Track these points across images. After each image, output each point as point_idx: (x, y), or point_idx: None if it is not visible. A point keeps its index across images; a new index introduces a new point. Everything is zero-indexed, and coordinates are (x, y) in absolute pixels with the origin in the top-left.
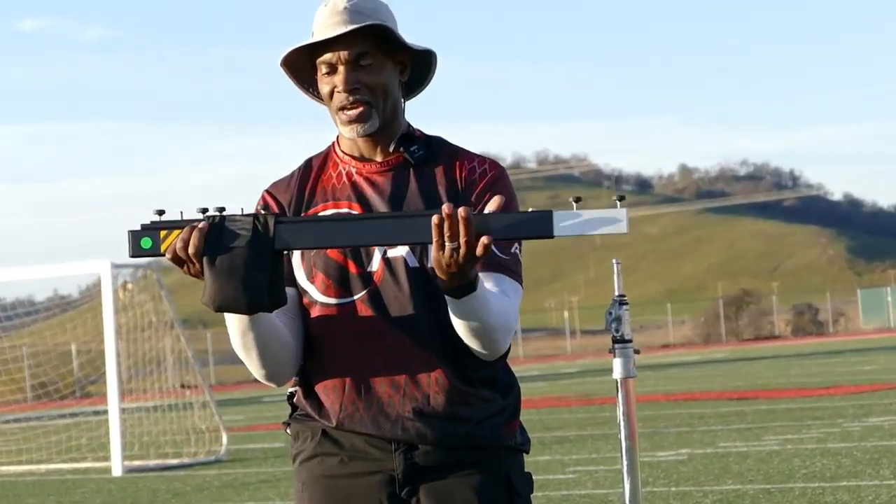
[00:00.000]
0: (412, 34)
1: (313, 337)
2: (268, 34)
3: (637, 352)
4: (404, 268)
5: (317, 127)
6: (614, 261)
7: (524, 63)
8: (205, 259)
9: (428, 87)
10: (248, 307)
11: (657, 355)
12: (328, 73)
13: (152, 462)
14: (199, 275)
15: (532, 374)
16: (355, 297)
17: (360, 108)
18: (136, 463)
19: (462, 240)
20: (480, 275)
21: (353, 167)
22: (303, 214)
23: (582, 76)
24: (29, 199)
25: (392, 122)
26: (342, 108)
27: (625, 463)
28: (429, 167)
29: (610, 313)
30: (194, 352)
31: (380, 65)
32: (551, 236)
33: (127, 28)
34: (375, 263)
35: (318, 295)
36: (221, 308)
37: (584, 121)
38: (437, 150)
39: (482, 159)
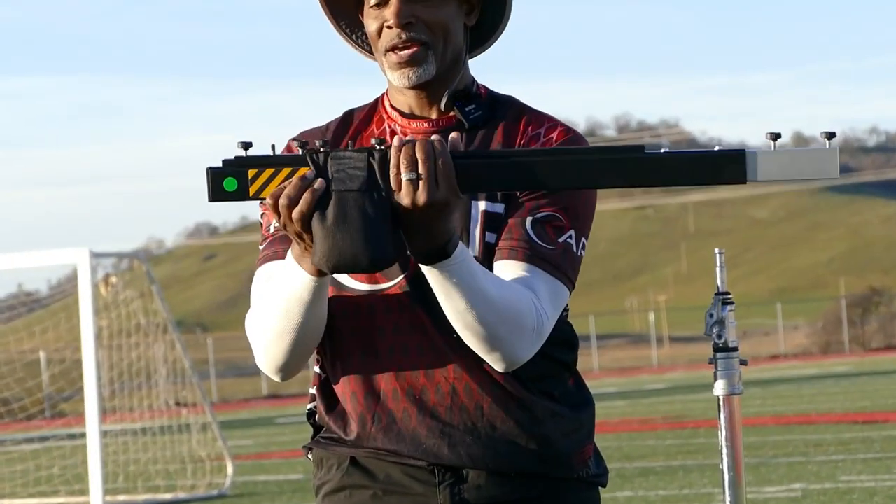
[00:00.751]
0: None
1: (338, 333)
2: None
3: (744, 363)
4: None
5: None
6: (717, 250)
7: (601, 5)
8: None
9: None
10: (371, 263)
11: (764, 368)
12: (377, 5)
13: (140, 497)
14: (301, 235)
15: (609, 391)
16: (392, 283)
17: (415, 49)
18: (121, 498)
19: (421, 167)
20: (500, 264)
21: (400, 125)
22: None
23: (671, 23)
24: None
25: (451, 72)
26: (393, 49)
27: (728, 500)
28: (488, 130)
29: (711, 315)
30: (192, 362)
31: None
32: (744, 181)
33: None
34: None
35: (345, 278)
36: (338, 268)
37: (673, 79)
38: (502, 112)
39: (553, 125)
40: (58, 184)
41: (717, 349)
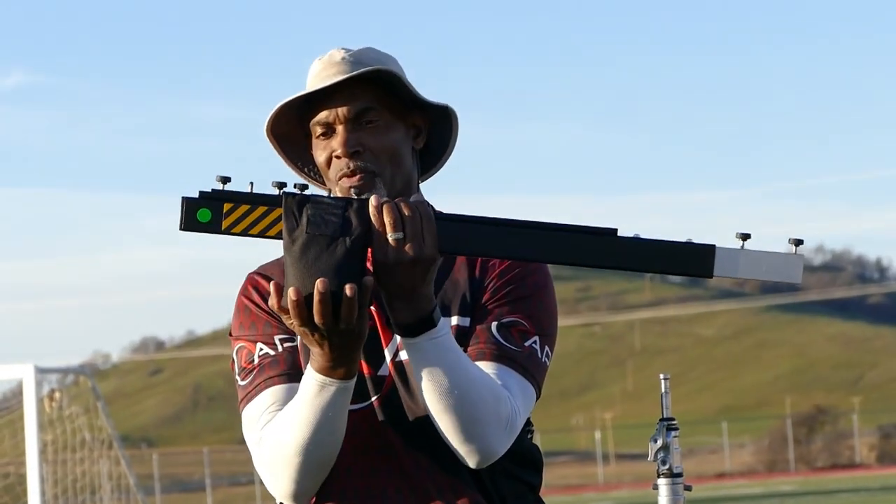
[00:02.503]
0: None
1: None
2: (234, 85)
3: (689, 489)
4: None
5: None
6: (662, 376)
7: (545, 125)
8: (284, 251)
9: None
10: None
11: (710, 486)
12: (324, 136)
13: None
14: (326, 339)
15: None
16: (364, 404)
17: (361, 176)
18: None
19: (408, 225)
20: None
21: None
22: None
23: (612, 142)
24: None
25: (403, 197)
26: (342, 177)
27: None
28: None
29: (655, 440)
30: (137, 478)
31: (388, 124)
32: (710, 276)
33: (52, 73)
34: (385, 366)
35: None
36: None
37: (615, 195)
38: None
39: None
40: (3, 298)
41: (661, 475)
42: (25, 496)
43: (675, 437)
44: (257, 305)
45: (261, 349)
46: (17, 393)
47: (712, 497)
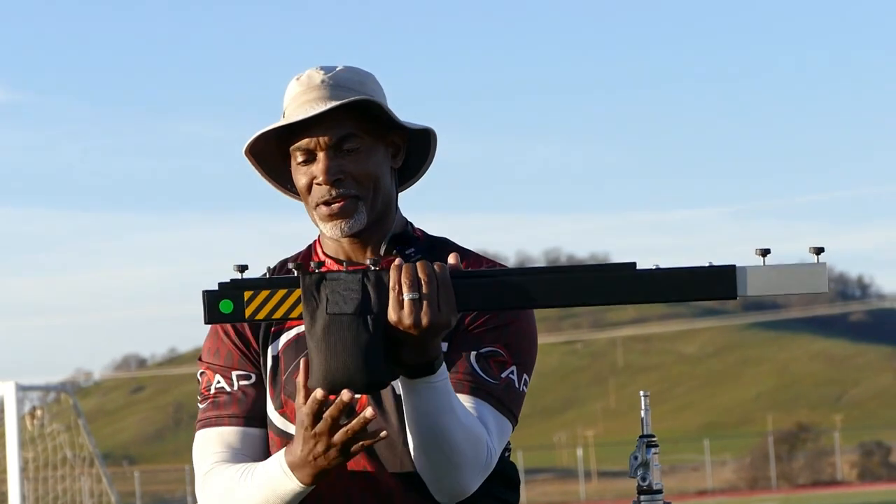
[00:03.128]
0: (394, 103)
1: None
2: (222, 102)
3: None
4: (392, 397)
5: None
6: (642, 393)
7: (529, 143)
8: (305, 330)
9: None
10: (367, 387)
11: (692, 503)
12: (304, 162)
13: None
14: (335, 454)
15: None
16: None
17: (344, 202)
18: None
19: (425, 288)
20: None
21: None
22: (274, 330)
23: (600, 159)
24: None
25: (384, 218)
26: (322, 203)
27: None
28: None
29: (635, 457)
30: (118, 495)
31: (368, 149)
32: (734, 296)
33: (29, 90)
34: None
35: (287, 426)
36: (333, 389)
37: (601, 213)
38: (440, 254)
39: (492, 264)
40: None
41: (640, 491)
42: None
43: (654, 453)
44: (226, 333)
45: (217, 382)
46: None
47: None
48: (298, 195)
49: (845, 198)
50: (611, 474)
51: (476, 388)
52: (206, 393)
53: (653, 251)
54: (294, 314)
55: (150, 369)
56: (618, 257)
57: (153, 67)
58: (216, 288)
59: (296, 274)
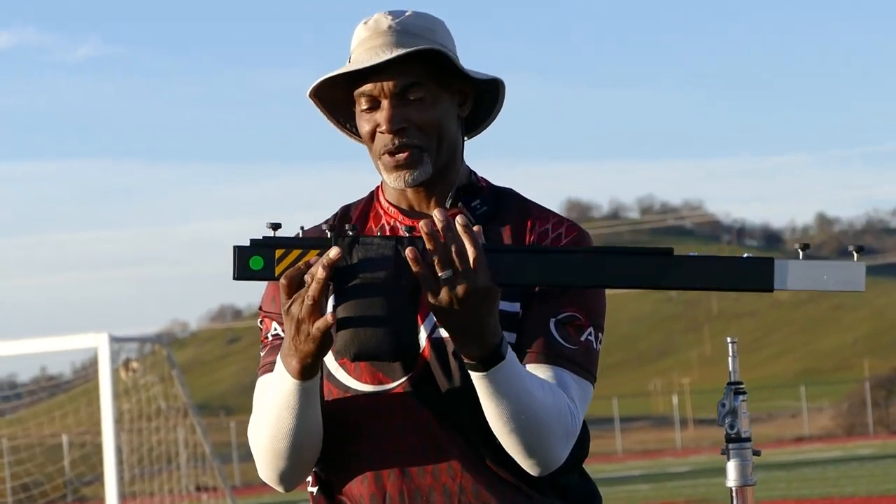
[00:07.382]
0: (472, 48)
1: (340, 436)
2: (301, 53)
3: (757, 453)
4: (454, 357)
5: (357, 165)
6: (729, 339)
7: (620, 88)
8: (334, 294)
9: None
10: (394, 353)
11: (788, 450)
12: (369, 109)
13: None
14: (301, 323)
15: (633, 474)
16: (397, 383)
17: (408, 153)
18: None
19: (458, 265)
20: (530, 367)
21: (401, 223)
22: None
23: (694, 105)
24: (4, 256)
25: (449, 169)
26: (386, 153)
27: None
28: (494, 227)
29: (723, 404)
30: (213, 446)
31: (434, 98)
32: (771, 289)
33: (124, 44)
34: (421, 342)
35: (349, 380)
36: (360, 356)
37: (697, 160)
38: (506, 206)
39: (559, 220)
40: (80, 268)
41: (729, 440)
42: (102, 465)
43: (742, 401)
44: None
45: (274, 329)
46: (94, 362)
47: (791, 461)
48: (362, 139)
49: None
50: (707, 422)
51: (556, 356)
52: (265, 340)
53: (742, 198)
54: None
55: (245, 320)
56: (711, 205)
57: (236, 17)
58: (247, 244)
59: (329, 235)
